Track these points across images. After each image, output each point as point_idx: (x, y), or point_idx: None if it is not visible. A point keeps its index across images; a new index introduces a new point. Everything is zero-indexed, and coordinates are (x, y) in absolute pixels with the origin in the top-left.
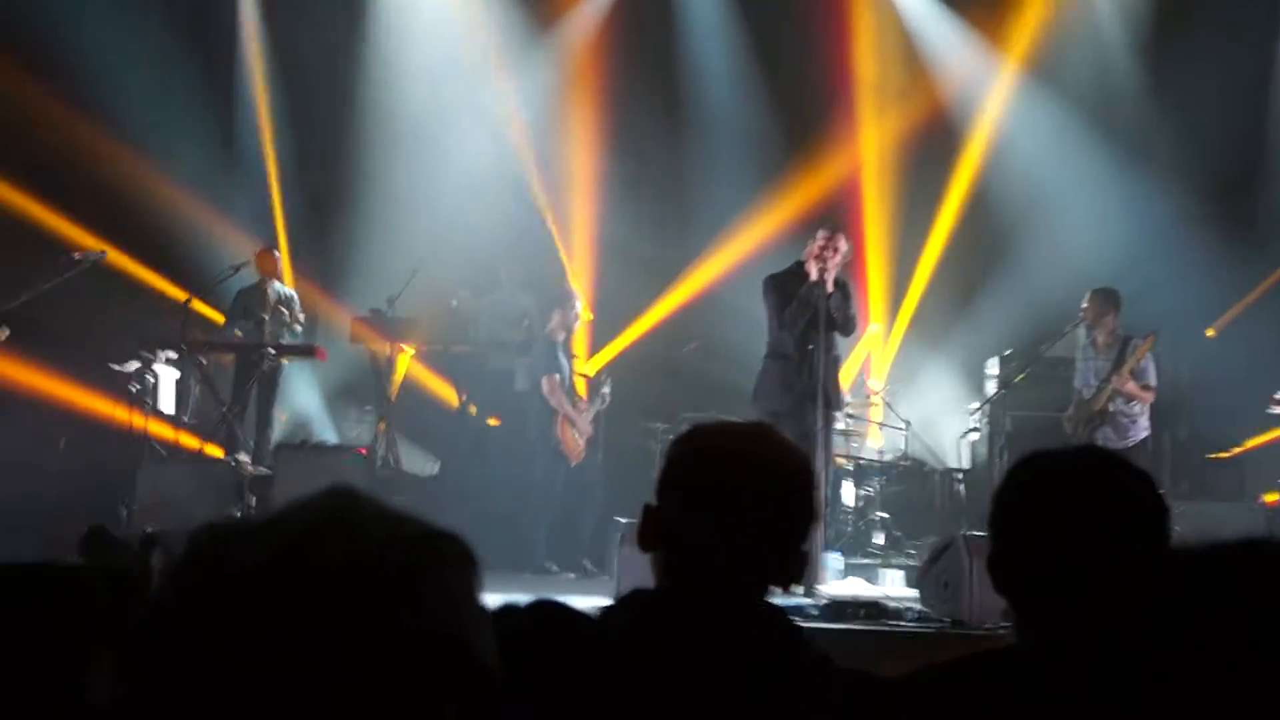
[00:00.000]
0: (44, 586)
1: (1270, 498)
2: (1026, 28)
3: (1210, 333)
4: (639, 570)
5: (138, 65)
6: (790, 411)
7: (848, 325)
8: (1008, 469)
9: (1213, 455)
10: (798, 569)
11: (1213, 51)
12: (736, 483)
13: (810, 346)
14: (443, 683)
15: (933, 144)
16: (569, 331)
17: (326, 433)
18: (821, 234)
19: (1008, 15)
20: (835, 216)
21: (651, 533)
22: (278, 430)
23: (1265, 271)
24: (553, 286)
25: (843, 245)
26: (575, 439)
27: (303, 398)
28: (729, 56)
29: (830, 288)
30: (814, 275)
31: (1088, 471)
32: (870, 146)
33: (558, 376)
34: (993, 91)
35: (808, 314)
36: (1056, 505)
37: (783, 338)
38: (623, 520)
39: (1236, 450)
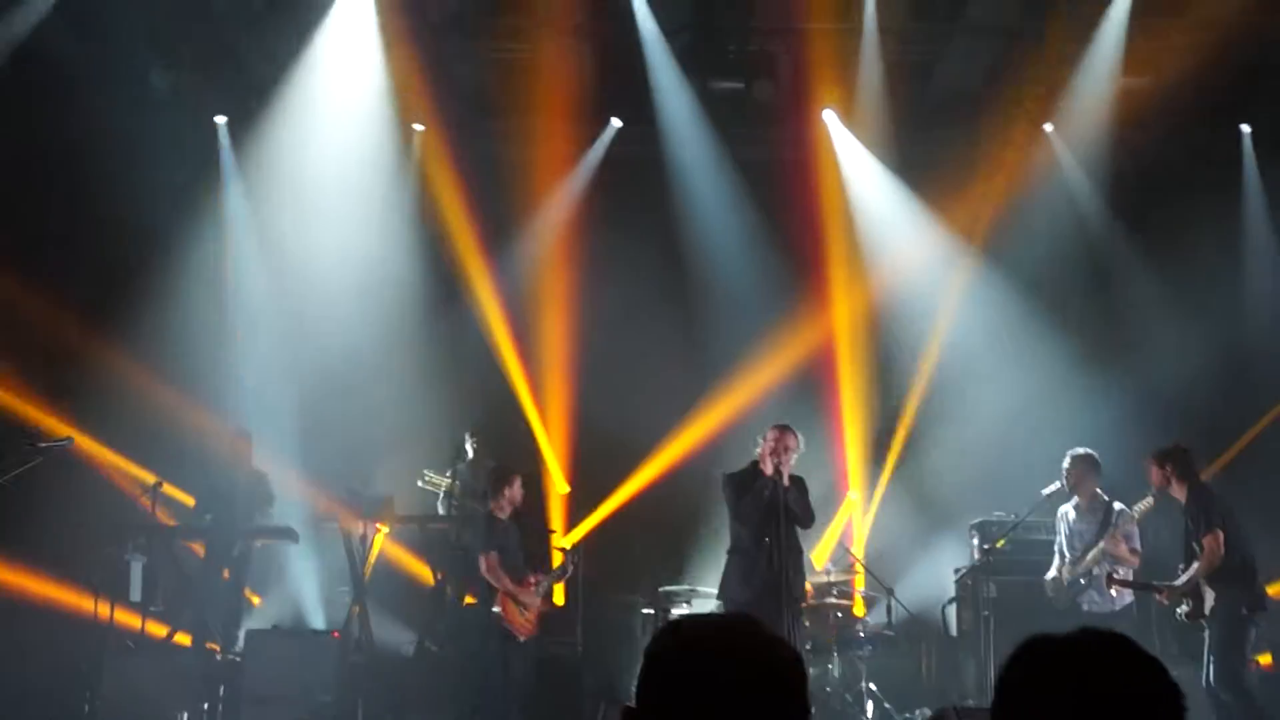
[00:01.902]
0: None
1: (1264, 659)
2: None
3: None
4: None
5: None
6: (752, 605)
7: (806, 518)
8: (1012, 652)
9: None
10: None
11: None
12: (725, 680)
13: (767, 539)
14: None
15: (906, 313)
16: (514, 506)
17: (316, 618)
18: (772, 432)
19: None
20: (811, 384)
21: None
22: (260, 616)
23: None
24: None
25: (793, 442)
26: (520, 615)
27: (299, 583)
28: (707, 237)
29: (786, 483)
30: (769, 471)
31: (1096, 657)
32: (844, 316)
33: (494, 554)
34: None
35: (762, 508)
36: (1066, 693)
37: (741, 533)
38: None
39: None
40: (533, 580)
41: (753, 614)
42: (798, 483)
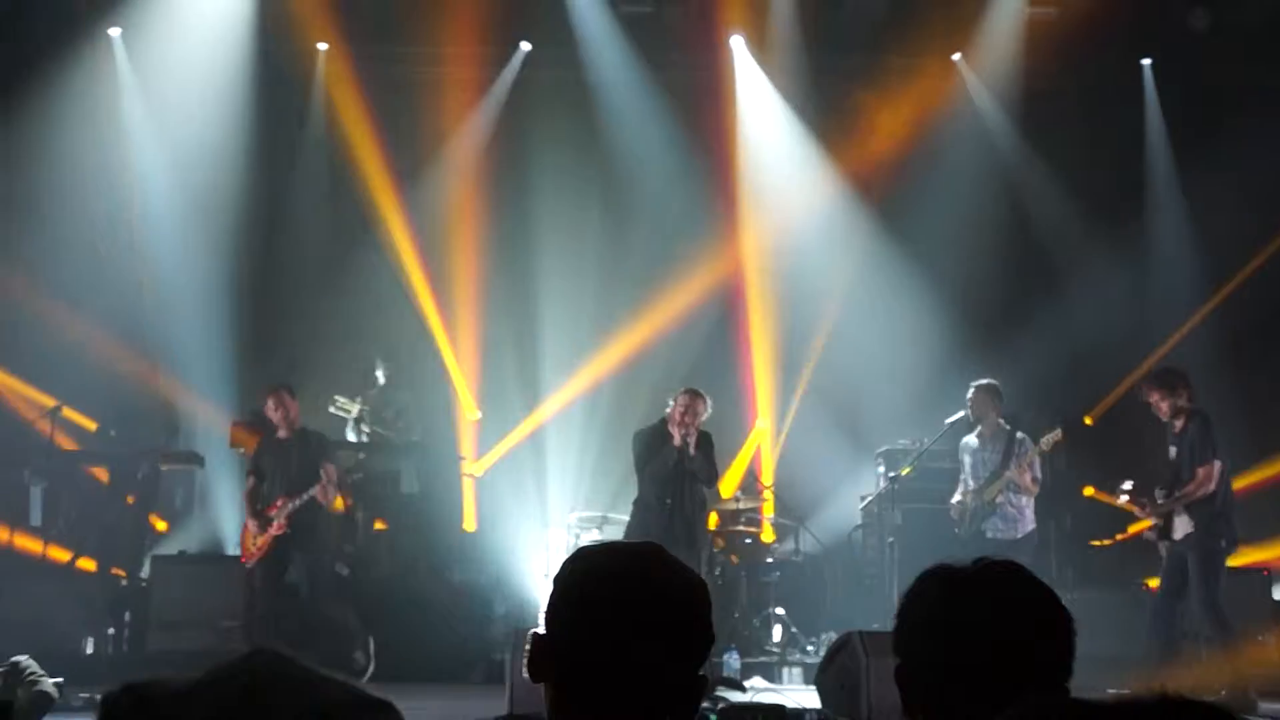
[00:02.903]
0: None
1: (1153, 582)
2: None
3: (1088, 420)
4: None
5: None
6: None
7: (710, 480)
8: (914, 581)
9: (1095, 542)
10: (697, 694)
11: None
12: (630, 604)
13: (669, 500)
14: None
15: (818, 241)
16: (290, 424)
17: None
18: (682, 398)
19: None
20: (721, 313)
21: (542, 662)
22: (178, 542)
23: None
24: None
25: (701, 407)
26: (251, 541)
27: (218, 510)
28: (620, 161)
29: (693, 450)
30: (676, 440)
31: (993, 586)
32: (752, 243)
33: (250, 480)
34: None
35: (668, 472)
36: (968, 622)
37: (646, 490)
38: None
39: (1120, 537)
40: (278, 503)
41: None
42: (704, 440)
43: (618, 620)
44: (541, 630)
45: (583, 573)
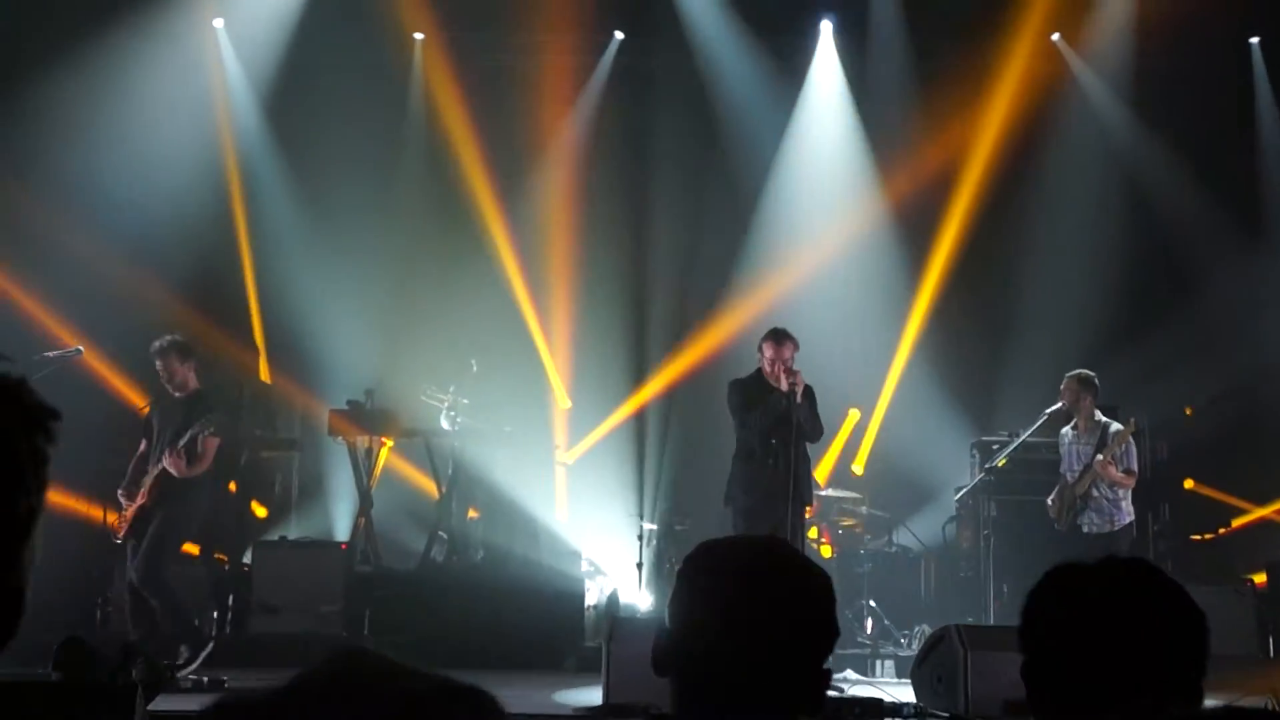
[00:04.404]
0: (21, 710)
1: (1259, 578)
2: (1015, 113)
3: (1188, 411)
4: (629, 669)
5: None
6: (760, 508)
7: (815, 433)
8: (1039, 581)
9: (1197, 536)
10: (821, 691)
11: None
12: (756, 599)
13: (774, 441)
14: None
15: (912, 226)
16: (183, 386)
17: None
18: (767, 346)
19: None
20: (820, 295)
21: (666, 656)
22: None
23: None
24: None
25: (789, 351)
26: (118, 514)
27: (331, 498)
28: (722, 153)
29: (800, 397)
30: (784, 387)
31: (1122, 584)
32: (851, 233)
33: (142, 443)
34: (973, 173)
35: (772, 419)
36: (1094, 620)
37: (748, 439)
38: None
39: (1222, 531)
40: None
41: (762, 518)
42: (808, 393)
43: (743, 615)
44: (666, 624)
45: (708, 567)
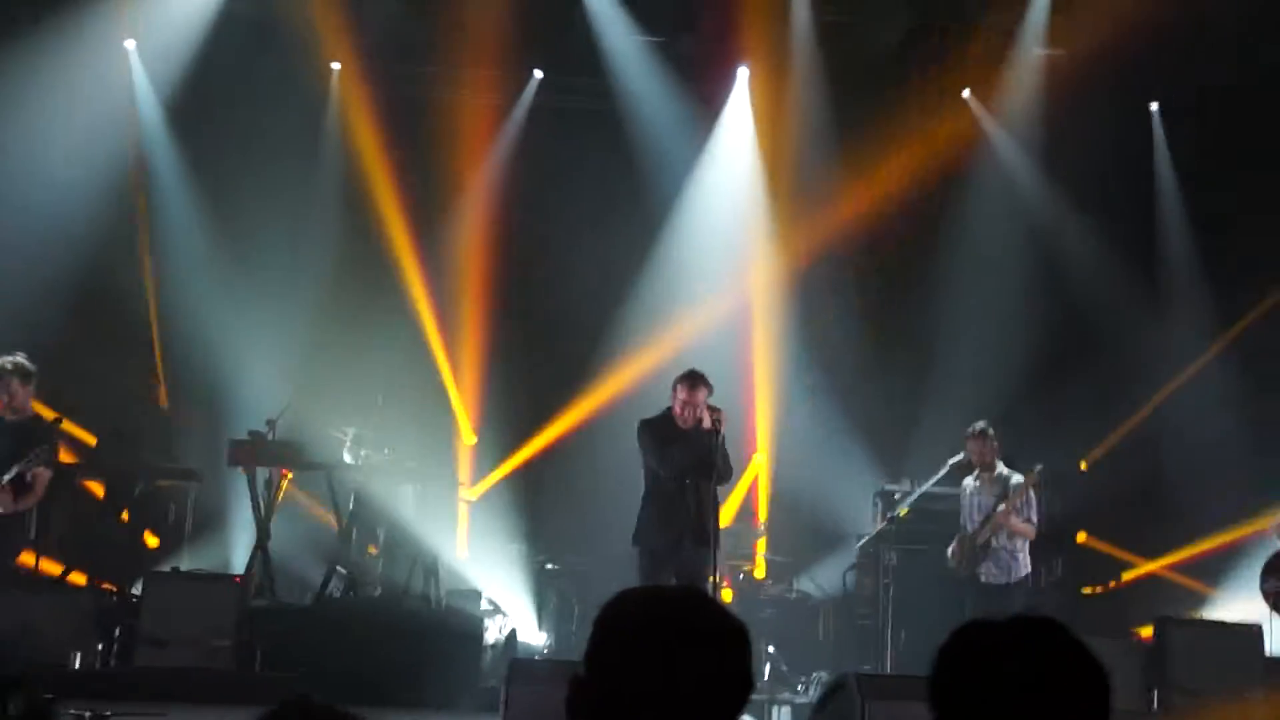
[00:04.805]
0: None
1: (1145, 632)
2: (926, 168)
3: (1083, 466)
4: (527, 710)
5: None
6: (669, 550)
7: (728, 473)
8: (949, 636)
9: (1088, 589)
10: None
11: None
12: (673, 650)
13: (688, 481)
14: None
15: (825, 273)
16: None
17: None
18: (681, 388)
19: (902, 156)
20: (728, 342)
21: (581, 704)
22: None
23: (1131, 409)
24: None
25: (702, 396)
26: None
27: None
28: (637, 193)
29: (718, 433)
30: (707, 424)
31: (1033, 646)
32: (759, 280)
33: None
34: (886, 222)
35: (690, 458)
36: (1001, 678)
37: (661, 479)
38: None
39: (1113, 584)
40: None
41: (671, 559)
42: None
43: (660, 665)
44: (581, 672)
45: (626, 616)
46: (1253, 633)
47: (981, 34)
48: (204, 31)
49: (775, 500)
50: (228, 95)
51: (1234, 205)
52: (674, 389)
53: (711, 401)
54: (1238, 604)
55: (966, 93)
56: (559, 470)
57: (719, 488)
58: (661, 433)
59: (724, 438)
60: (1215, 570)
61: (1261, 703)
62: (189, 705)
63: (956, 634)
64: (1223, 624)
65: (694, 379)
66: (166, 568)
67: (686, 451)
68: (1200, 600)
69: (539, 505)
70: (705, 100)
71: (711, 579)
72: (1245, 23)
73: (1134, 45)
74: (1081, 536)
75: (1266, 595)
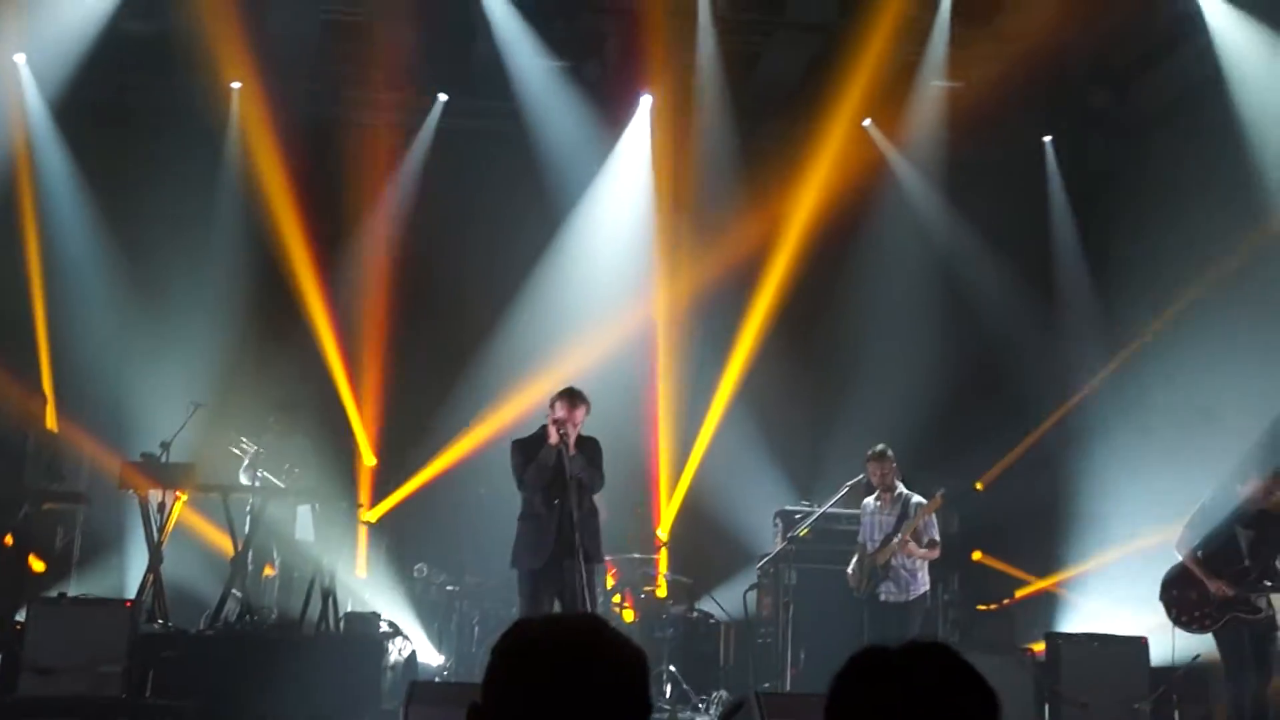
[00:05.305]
0: None
1: (1037, 647)
2: (830, 195)
3: (979, 486)
4: None
5: None
6: (547, 570)
7: (594, 483)
8: (847, 663)
9: (983, 606)
10: None
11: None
12: (570, 678)
13: (556, 502)
14: None
15: (731, 298)
16: None
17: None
18: (560, 403)
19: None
20: (630, 365)
21: None
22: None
23: (1025, 431)
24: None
25: (580, 415)
26: None
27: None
28: (540, 219)
29: (572, 450)
30: (553, 439)
31: (922, 668)
32: (664, 302)
33: None
34: (791, 248)
35: (548, 476)
36: (894, 703)
37: (530, 498)
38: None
39: (1006, 601)
40: None
41: (549, 579)
42: (589, 444)
43: (556, 694)
44: (478, 700)
45: (522, 645)
46: (1139, 645)
47: (882, 65)
48: (96, 47)
49: (681, 521)
50: (124, 112)
51: (1123, 233)
52: (551, 406)
53: (612, 421)
54: (1128, 617)
55: (868, 122)
56: (460, 491)
57: (594, 498)
58: (531, 452)
59: (594, 449)
60: (1105, 586)
61: (1147, 714)
62: None
63: (852, 659)
64: (1110, 638)
65: (573, 396)
66: (54, 593)
67: (539, 469)
68: (1089, 615)
69: (439, 526)
70: (611, 125)
71: (585, 595)
72: (1131, 58)
73: (1028, 78)
74: (977, 555)
75: (1167, 607)
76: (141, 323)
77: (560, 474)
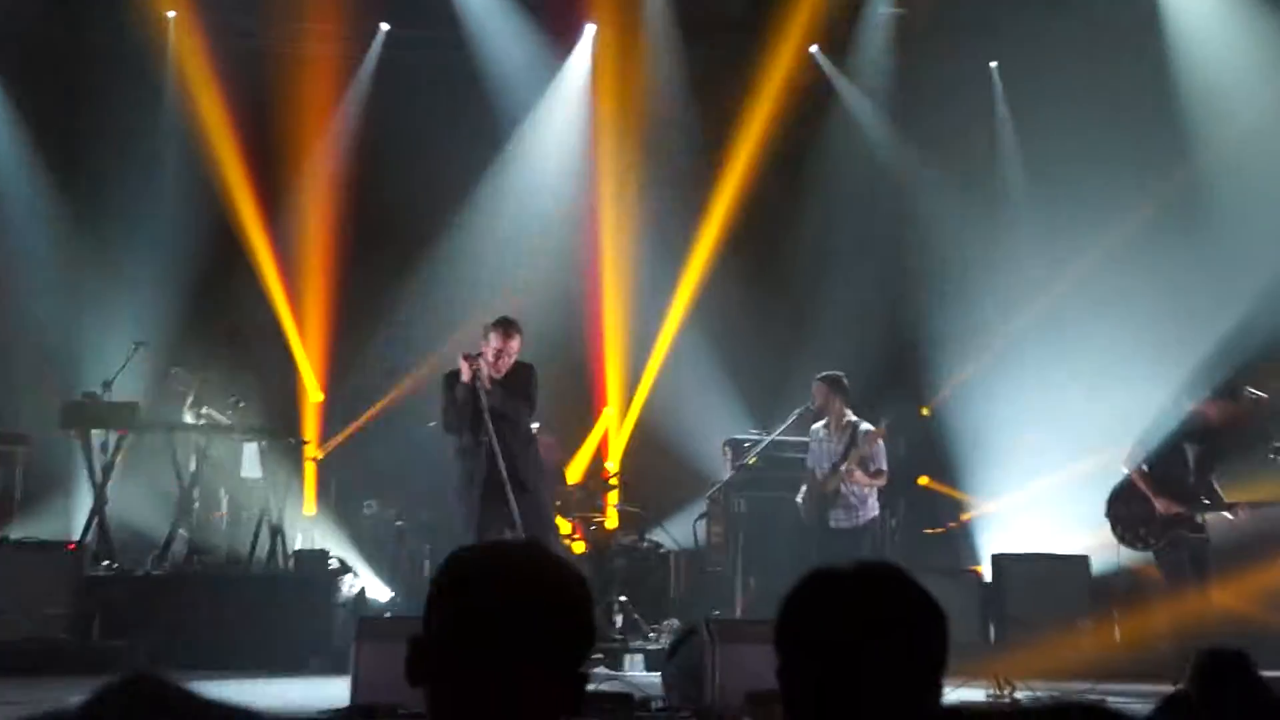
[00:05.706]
0: None
1: (978, 569)
2: (779, 122)
3: (925, 411)
4: (377, 669)
5: None
6: (485, 505)
7: (519, 414)
8: (797, 584)
9: (929, 530)
10: (578, 696)
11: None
12: (511, 604)
13: (484, 439)
14: None
15: (673, 230)
16: None
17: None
18: (495, 335)
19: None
20: (575, 299)
21: (421, 665)
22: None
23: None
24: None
25: (516, 344)
26: None
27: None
28: (490, 147)
29: (488, 385)
30: (465, 375)
31: (871, 587)
32: (609, 234)
33: None
34: (738, 174)
35: (468, 412)
36: (844, 620)
37: (459, 436)
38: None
39: (951, 525)
40: None
41: (489, 511)
42: (523, 371)
43: (498, 621)
44: (421, 632)
45: (463, 573)
46: (1081, 563)
47: None
48: None
49: (634, 451)
50: (61, 45)
51: (1068, 154)
52: (485, 337)
53: (559, 352)
54: (1072, 535)
55: (815, 49)
56: (408, 425)
57: (526, 422)
58: (453, 387)
59: (527, 377)
60: (1047, 509)
61: (1089, 629)
62: (22, 677)
63: (803, 582)
64: (1053, 556)
65: (507, 326)
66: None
67: (456, 406)
68: (1035, 537)
69: (389, 462)
70: (557, 50)
71: (516, 527)
72: None
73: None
74: (923, 480)
75: (1113, 523)
76: (83, 261)
77: (479, 412)
